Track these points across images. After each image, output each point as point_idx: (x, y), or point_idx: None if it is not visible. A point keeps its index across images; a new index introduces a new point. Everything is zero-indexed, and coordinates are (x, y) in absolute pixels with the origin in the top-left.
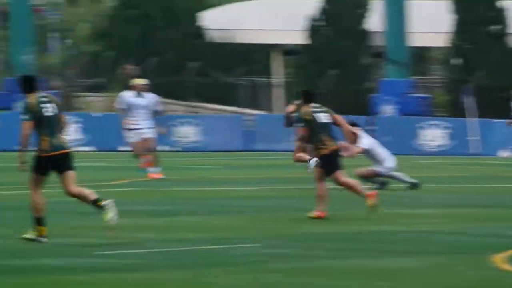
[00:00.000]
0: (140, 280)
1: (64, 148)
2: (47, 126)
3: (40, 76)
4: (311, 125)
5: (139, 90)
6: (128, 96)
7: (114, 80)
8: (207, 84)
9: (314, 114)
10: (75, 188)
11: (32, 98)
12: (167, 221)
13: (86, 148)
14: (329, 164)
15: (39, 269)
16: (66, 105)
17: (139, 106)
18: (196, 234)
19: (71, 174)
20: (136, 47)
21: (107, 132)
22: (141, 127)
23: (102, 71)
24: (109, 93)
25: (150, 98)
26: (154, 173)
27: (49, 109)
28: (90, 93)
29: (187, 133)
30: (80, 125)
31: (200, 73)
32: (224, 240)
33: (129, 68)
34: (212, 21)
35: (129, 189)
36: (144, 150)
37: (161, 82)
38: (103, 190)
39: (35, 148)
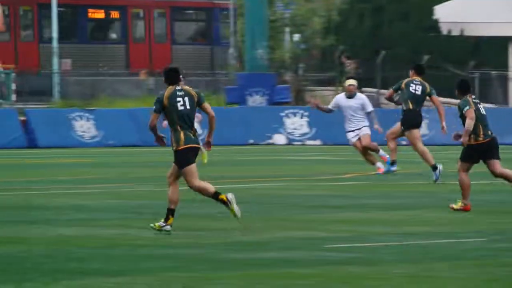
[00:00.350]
0: (367, 273)
1: (196, 143)
2: (180, 119)
3: (271, 71)
4: None
5: (348, 91)
6: (340, 97)
7: (344, 74)
8: (438, 77)
9: None
10: None
11: (169, 90)
12: (392, 215)
13: (313, 142)
14: None
15: (265, 262)
16: (297, 99)
17: (350, 107)
18: (420, 228)
19: None
20: (368, 40)
21: (333, 126)
22: (353, 129)
23: (333, 65)
24: (339, 87)
25: (359, 99)
26: (381, 167)
27: (184, 103)
28: (320, 87)
29: None
30: (307, 119)
31: (432, 66)
32: (450, 234)
33: (348, 62)
34: (444, 14)
35: (358, 182)
36: (364, 149)
37: (393, 76)
38: (333, 184)
39: (171, 142)
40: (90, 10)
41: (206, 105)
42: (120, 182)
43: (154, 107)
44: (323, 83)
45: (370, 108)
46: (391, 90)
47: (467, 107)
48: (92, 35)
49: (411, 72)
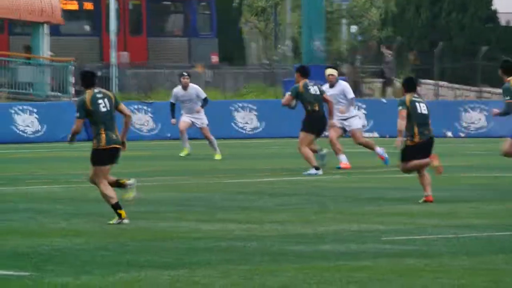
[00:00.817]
0: (424, 266)
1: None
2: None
3: (328, 63)
4: None
5: (328, 80)
6: (324, 88)
7: (401, 66)
8: (496, 69)
9: None
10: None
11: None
12: (450, 207)
13: (370, 134)
14: None
15: (321, 255)
16: (354, 92)
17: (332, 96)
18: (478, 221)
19: None
20: (425, 32)
21: (391, 119)
22: (338, 118)
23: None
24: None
25: (339, 86)
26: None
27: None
28: (376, 79)
29: (475, 119)
30: (364, 111)
31: (488, 57)
32: (508, 227)
33: (388, 52)
34: (503, 5)
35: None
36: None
37: (451, 67)
38: (387, 176)
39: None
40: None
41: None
42: (176, 175)
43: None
44: (379, 75)
45: (351, 95)
46: (288, 96)
47: None
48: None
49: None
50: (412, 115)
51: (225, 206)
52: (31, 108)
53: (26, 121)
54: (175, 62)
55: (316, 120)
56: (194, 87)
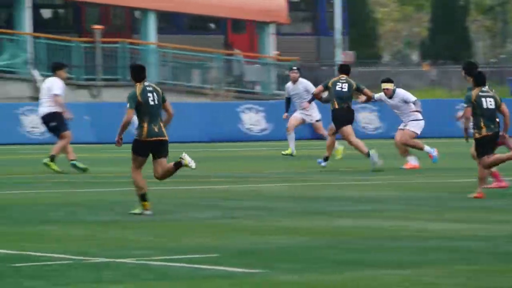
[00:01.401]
0: None
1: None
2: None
3: None
4: None
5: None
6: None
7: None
8: None
9: None
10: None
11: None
12: None
13: None
14: None
15: None
16: None
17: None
18: None
19: None
20: None
21: None
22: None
23: None
24: None
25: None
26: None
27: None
28: None
29: None
30: None
31: None
32: None
33: None
34: None
35: None
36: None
37: None
38: None
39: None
40: None
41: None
42: (397, 174)
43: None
44: None
45: (411, 99)
46: (320, 87)
47: None
48: None
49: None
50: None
51: (452, 206)
52: (257, 107)
53: (252, 120)
54: (303, 60)
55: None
56: (303, 82)
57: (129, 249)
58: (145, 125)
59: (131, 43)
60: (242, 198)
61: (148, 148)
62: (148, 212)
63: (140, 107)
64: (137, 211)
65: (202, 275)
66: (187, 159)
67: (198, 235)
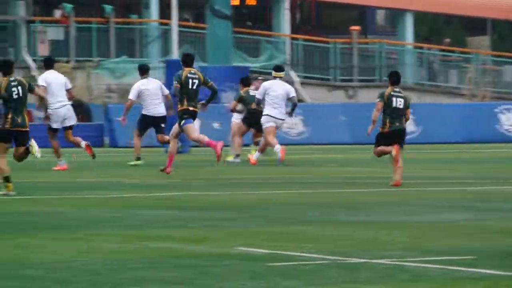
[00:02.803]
0: None
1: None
2: None
3: None
4: None
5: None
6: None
7: None
8: None
9: None
10: None
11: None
12: None
13: None
14: None
15: None
16: None
17: None
18: None
19: None
20: None
21: None
22: None
23: None
24: None
25: None
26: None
27: None
28: None
29: None
30: None
31: None
32: None
33: None
34: None
35: None
36: None
37: None
38: None
39: None
40: None
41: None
42: None
43: None
44: None
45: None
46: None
47: None
48: None
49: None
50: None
51: None
52: None
53: (511, 120)
54: None
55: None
56: None
57: (384, 250)
58: None
59: (388, 44)
60: (496, 200)
61: None
62: (12, 193)
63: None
64: (1, 193)
65: (457, 276)
66: (35, 148)
67: (452, 236)
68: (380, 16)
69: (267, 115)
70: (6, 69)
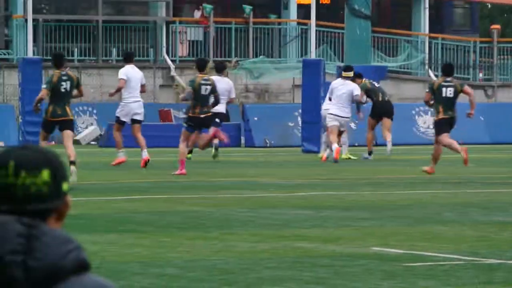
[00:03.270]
0: None
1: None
2: None
3: None
4: None
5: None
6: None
7: None
8: None
9: None
10: None
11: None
12: None
13: None
14: None
15: None
16: None
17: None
18: None
19: None
20: None
21: None
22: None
23: None
24: None
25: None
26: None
27: None
28: None
29: None
30: None
31: None
32: None
33: None
34: None
35: None
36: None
37: None
38: None
39: None
40: None
41: None
42: None
43: None
44: None
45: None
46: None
47: None
48: None
49: None
50: None
51: None
52: None
53: None
54: None
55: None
56: None
57: None
58: None
59: None
60: None
61: None
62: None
63: None
64: None
65: None
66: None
67: None
68: None
69: (331, 114)
70: (58, 62)
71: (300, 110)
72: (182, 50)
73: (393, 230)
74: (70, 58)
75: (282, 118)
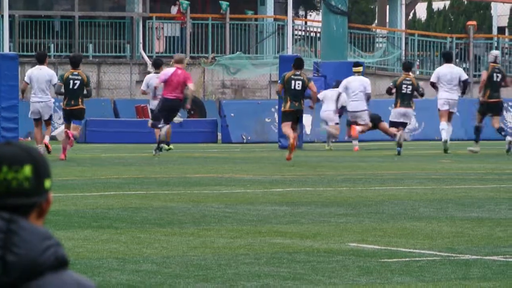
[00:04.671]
0: None
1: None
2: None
3: None
4: None
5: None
6: None
7: None
8: None
9: None
10: None
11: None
12: None
13: None
14: None
15: None
16: None
17: None
18: None
19: None
20: None
21: None
22: None
23: None
24: None
25: None
26: None
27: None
28: None
29: None
30: None
31: None
32: None
33: None
34: None
35: None
36: None
37: None
38: None
39: None
40: None
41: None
42: None
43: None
44: None
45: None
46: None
47: None
48: None
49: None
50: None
51: None
52: None
53: None
54: None
55: None
56: None
57: (497, 247)
58: None
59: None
60: None
61: None
62: None
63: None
64: None
65: None
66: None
67: None
68: None
69: (350, 111)
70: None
71: (277, 106)
72: (159, 46)
73: (370, 226)
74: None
75: (259, 114)
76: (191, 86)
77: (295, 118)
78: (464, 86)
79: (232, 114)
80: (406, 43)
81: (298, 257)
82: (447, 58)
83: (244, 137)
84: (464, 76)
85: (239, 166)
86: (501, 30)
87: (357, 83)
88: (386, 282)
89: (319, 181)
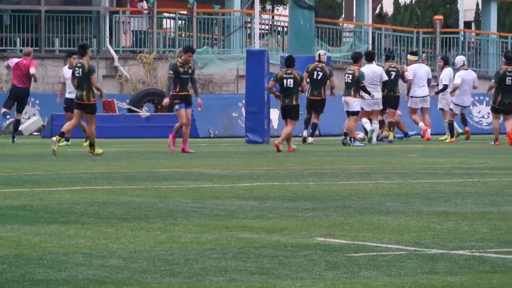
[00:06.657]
0: None
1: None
2: None
3: None
4: None
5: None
6: None
7: None
8: None
9: None
10: None
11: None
12: None
13: None
14: None
15: None
16: None
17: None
18: None
19: None
20: None
21: None
22: None
23: None
24: None
25: None
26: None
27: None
28: None
29: None
30: None
31: None
32: None
33: None
34: None
35: None
36: None
37: None
38: None
39: None
40: None
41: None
42: None
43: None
44: None
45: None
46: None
47: None
48: None
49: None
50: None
51: None
52: None
53: None
54: None
55: None
56: None
57: (464, 241)
58: None
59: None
60: None
61: None
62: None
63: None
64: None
65: None
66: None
67: None
68: None
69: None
70: (80, 52)
71: (244, 101)
72: (126, 41)
73: (337, 220)
74: (12, 48)
75: (226, 109)
76: (32, 70)
77: (286, 114)
78: (383, 86)
79: (199, 109)
80: (373, 38)
81: (265, 251)
82: (368, 57)
83: (211, 132)
84: (385, 77)
85: (206, 160)
86: (467, 24)
87: (422, 69)
88: (353, 276)
89: (286, 175)
